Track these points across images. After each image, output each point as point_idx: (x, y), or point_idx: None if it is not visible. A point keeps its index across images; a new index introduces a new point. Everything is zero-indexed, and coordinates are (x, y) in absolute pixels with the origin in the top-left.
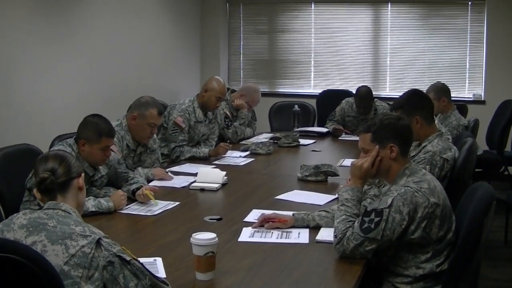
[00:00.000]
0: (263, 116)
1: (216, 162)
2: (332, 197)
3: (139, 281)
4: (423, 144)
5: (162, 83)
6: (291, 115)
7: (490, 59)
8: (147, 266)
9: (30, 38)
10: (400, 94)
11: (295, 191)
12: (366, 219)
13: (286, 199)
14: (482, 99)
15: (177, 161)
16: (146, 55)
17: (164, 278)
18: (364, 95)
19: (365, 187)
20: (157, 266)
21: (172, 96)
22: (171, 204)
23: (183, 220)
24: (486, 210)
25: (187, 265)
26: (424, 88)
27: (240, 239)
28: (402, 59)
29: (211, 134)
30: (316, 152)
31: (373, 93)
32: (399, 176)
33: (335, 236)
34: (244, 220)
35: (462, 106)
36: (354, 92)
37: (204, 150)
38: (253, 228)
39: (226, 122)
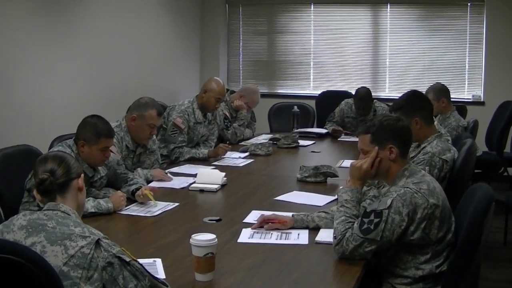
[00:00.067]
0: (263, 117)
1: (216, 163)
2: (331, 198)
3: (139, 282)
4: (423, 145)
5: (162, 83)
6: (291, 116)
7: (490, 60)
8: (146, 267)
9: (30, 38)
10: (400, 95)
11: (295, 192)
12: (366, 220)
13: (286, 200)
14: (482, 100)
15: (176, 162)
16: (146, 55)
17: (164, 279)
18: (364, 96)
19: (365, 188)
20: (156, 267)
21: (172, 97)
22: (170, 205)
23: (183, 221)
24: (485, 211)
25: (187, 266)
26: (423, 89)
27: (239, 240)
28: (402, 60)
29: (211, 135)
30: (315, 153)
31: (373, 94)
32: (398, 177)
33: (335, 237)
34: (244, 221)
35: (461, 107)
36: (353, 93)
37: (203, 151)
38: (252, 229)
39: (226, 123)
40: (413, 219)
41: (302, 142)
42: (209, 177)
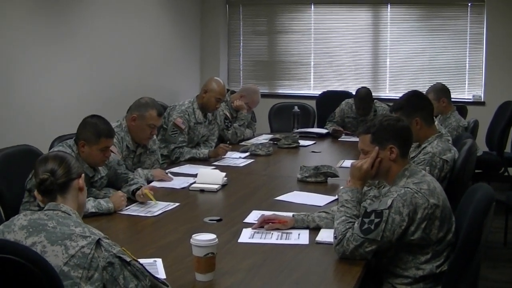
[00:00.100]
0: (263, 117)
1: (216, 163)
2: (332, 198)
3: (139, 282)
4: (423, 145)
5: (162, 83)
6: (291, 116)
7: (490, 60)
8: (147, 267)
9: (30, 38)
10: (400, 95)
11: (295, 192)
12: (366, 220)
13: (286, 200)
14: (482, 100)
15: (176, 162)
16: (146, 55)
17: (164, 279)
18: (364, 96)
19: (365, 188)
20: (157, 267)
21: (172, 97)
22: (171, 205)
23: (183, 221)
24: (485, 211)
25: (187, 266)
26: (423, 89)
27: (240, 240)
28: (402, 60)
29: (211, 135)
30: (315, 153)
31: (373, 94)
32: (398, 177)
33: (335, 237)
34: (244, 221)
35: (461, 107)
36: (353, 93)
37: (203, 151)
38: (253, 229)
39: (226, 123)
40: (413, 219)
41: (302, 142)
42: (209, 177)
